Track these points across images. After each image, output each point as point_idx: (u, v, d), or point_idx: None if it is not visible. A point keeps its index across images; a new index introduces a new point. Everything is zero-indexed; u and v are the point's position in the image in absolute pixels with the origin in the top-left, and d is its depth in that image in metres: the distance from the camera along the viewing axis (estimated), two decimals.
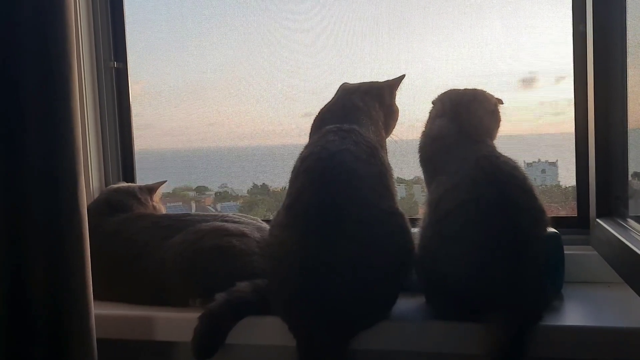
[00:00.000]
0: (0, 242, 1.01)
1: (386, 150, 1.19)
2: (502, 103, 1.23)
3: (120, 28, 1.64)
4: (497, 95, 1.23)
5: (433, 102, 1.25)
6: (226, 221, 1.28)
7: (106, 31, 1.62)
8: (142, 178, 1.66)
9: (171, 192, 1.80)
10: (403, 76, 1.26)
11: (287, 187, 1.10)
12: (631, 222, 1.15)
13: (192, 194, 1.83)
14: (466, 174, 1.06)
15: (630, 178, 1.20)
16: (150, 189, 1.49)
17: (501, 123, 1.21)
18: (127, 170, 1.67)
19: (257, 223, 1.31)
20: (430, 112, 1.25)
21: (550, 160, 1.58)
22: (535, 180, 1.54)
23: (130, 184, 1.55)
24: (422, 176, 1.21)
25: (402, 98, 1.29)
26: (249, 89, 1.63)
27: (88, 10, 1.59)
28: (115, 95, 1.64)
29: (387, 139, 1.23)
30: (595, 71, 1.22)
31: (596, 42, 1.22)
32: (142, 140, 1.70)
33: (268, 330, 1.10)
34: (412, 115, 1.40)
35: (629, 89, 1.18)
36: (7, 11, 0.99)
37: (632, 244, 1.00)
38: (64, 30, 1.02)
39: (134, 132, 1.67)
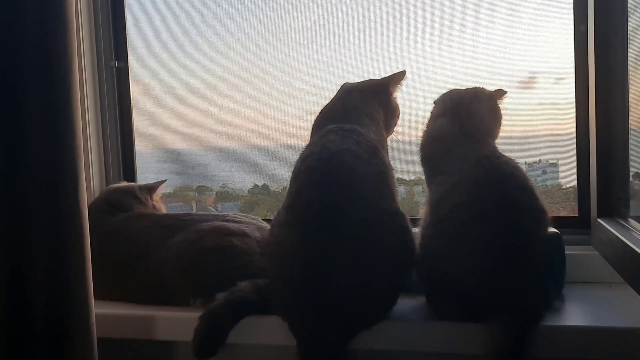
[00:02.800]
0: (0, 242, 1.01)
1: (387, 149, 1.19)
2: (505, 92, 1.22)
3: (121, 27, 1.64)
4: None
5: (434, 102, 1.25)
6: (227, 221, 1.28)
7: (107, 30, 1.62)
8: (143, 178, 1.66)
9: (172, 191, 1.80)
10: (404, 73, 1.25)
11: (287, 187, 1.10)
12: (632, 222, 1.15)
13: (193, 193, 1.83)
14: (467, 174, 1.06)
15: (631, 178, 1.20)
16: (150, 189, 1.49)
17: (502, 121, 1.21)
18: (128, 170, 1.67)
19: (258, 223, 1.31)
20: (431, 112, 1.25)
21: (551, 161, 1.58)
22: (536, 180, 1.54)
23: (130, 183, 1.55)
24: (423, 176, 1.21)
25: (403, 98, 1.29)
26: (249, 88, 1.64)
27: (89, 10, 1.59)
28: (116, 95, 1.64)
29: (388, 138, 1.23)
30: (596, 71, 1.22)
31: (597, 42, 1.22)
32: (143, 139, 1.70)
33: (269, 330, 1.10)
34: (414, 115, 1.40)
35: (630, 89, 1.17)
36: (8, 11, 0.99)
37: (633, 244, 1.00)
38: (65, 30, 1.02)
39: (134, 132, 1.67)
